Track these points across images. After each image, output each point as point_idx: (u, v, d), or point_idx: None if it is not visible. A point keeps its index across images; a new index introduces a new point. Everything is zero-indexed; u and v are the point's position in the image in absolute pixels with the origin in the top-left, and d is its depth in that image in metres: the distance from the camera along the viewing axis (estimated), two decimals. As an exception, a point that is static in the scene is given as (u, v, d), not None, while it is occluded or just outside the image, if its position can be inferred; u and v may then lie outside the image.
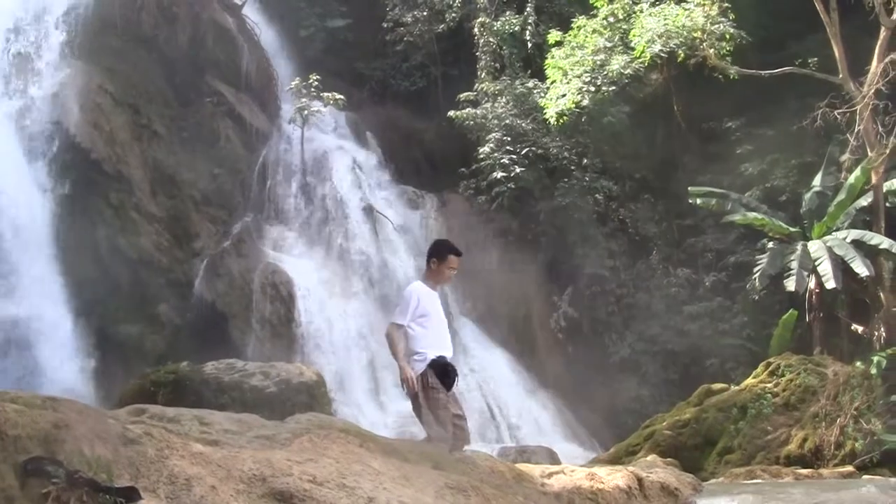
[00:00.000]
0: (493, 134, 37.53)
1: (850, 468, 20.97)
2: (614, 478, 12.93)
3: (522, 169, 36.71)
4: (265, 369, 22.05)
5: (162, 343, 30.43)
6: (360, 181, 36.88)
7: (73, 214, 31.12)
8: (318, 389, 21.02)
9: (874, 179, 30.74)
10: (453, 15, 41.95)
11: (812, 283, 31.67)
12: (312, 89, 36.55)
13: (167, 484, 5.55)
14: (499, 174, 36.67)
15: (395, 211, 37.05)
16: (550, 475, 12.86)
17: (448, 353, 11.43)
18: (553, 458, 24.25)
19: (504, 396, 33.80)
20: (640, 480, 13.29)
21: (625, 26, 35.45)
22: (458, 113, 38.17)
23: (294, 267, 33.35)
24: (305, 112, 36.31)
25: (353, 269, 34.52)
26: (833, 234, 31.56)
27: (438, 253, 11.82)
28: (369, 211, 35.89)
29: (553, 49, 35.94)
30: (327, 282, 33.68)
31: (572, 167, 37.75)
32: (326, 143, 37.92)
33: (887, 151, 30.12)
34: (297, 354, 30.48)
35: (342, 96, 37.19)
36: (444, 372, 11.30)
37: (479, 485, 7.45)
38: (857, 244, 30.42)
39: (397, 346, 11.34)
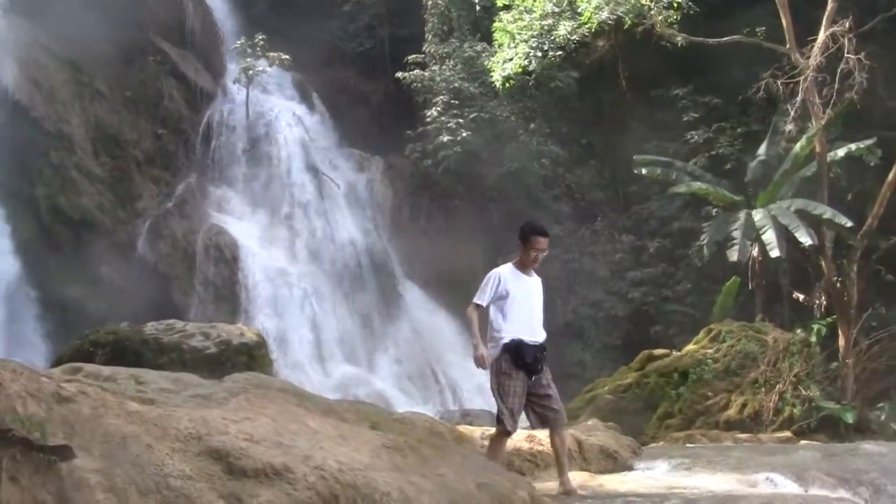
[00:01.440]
0: (441, 97, 37.39)
1: (787, 433, 21.15)
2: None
3: (469, 133, 36.57)
4: (206, 330, 21.83)
5: (104, 305, 30.07)
6: (306, 143, 36.66)
7: (11, 174, 30.73)
8: (258, 350, 20.83)
9: (818, 149, 30.84)
10: (402, -25, 41.74)
11: (755, 252, 31.82)
12: (258, 49, 36.28)
13: (102, 443, 5.45)
14: (445, 138, 36.53)
15: (341, 173, 36.90)
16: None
17: (528, 338, 11.10)
18: (495, 422, 24.31)
19: (448, 360, 33.82)
20: (580, 443, 13.33)
21: (573, -8, 35.41)
22: (405, 75, 37.99)
23: (238, 229, 33.16)
24: (251, 72, 36.03)
25: (297, 231, 34.35)
26: (777, 203, 31.67)
27: (523, 235, 11.42)
28: (315, 173, 35.70)
29: (501, 13, 35.78)
30: (272, 244, 33.51)
31: (519, 132, 37.70)
32: (272, 104, 37.66)
33: (823, 122, 30.25)
34: (241, 317, 30.32)
35: (288, 56, 36.90)
36: (517, 356, 11.03)
37: (417, 445, 7.39)
38: (801, 213, 30.54)
39: (472, 325, 11.24)
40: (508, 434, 11.28)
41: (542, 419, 11.29)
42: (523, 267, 11.35)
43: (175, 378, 8.49)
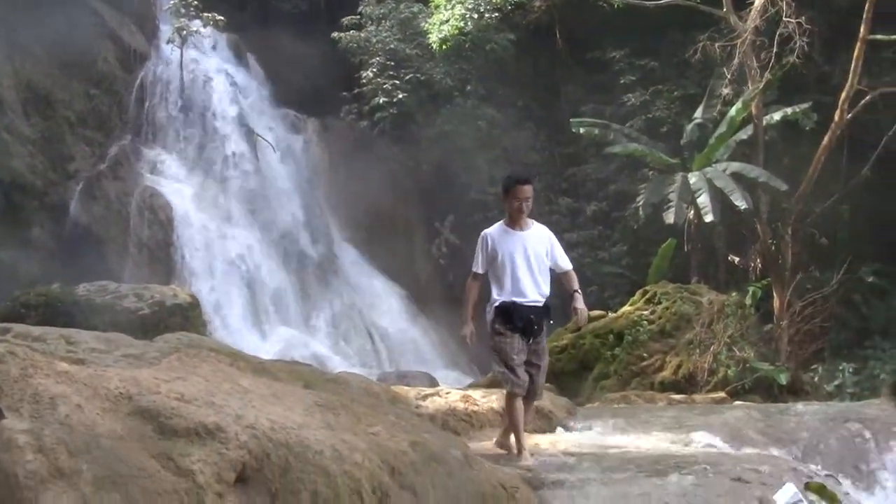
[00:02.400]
0: (377, 58, 37.27)
1: (722, 394, 21.30)
2: (489, 400, 12.98)
3: (405, 94, 36.50)
4: (139, 291, 21.77)
5: (36, 268, 29.67)
6: (241, 104, 36.40)
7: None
8: (192, 311, 20.82)
9: (754, 113, 31.02)
10: (338, -66, 41.44)
11: (691, 214, 31.99)
12: (192, 9, 35.88)
13: (31, 403, 5.37)
14: (381, 99, 36.45)
15: (276, 135, 36.66)
16: (426, 397, 12.87)
17: (522, 299, 10.65)
18: (433, 384, 24.28)
19: (384, 323, 33.84)
20: (515, 403, 13.34)
21: (510, -48, 35.40)
22: (340, 36, 37.79)
23: (172, 190, 32.87)
24: (184, 32, 35.63)
25: (232, 193, 34.13)
26: (713, 166, 31.84)
27: (503, 188, 10.98)
28: (249, 134, 35.46)
29: (438, -27, 35.72)
30: (206, 206, 33.26)
31: (455, 94, 37.64)
32: (206, 65, 37.30)
33: (762, 85, 30.42)
34: (176, 279, 30.11)
35: (222, 17, 36.55)
36: (507, 316, 10.64)
37: (350, 404, 7.37)
38: (736, 177, 30.73)
39: (464, 300, 11.01)
40: (516, 394, 10.66)
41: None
42: (512, 222, 10.87)
43: (106, 338, 8.41)
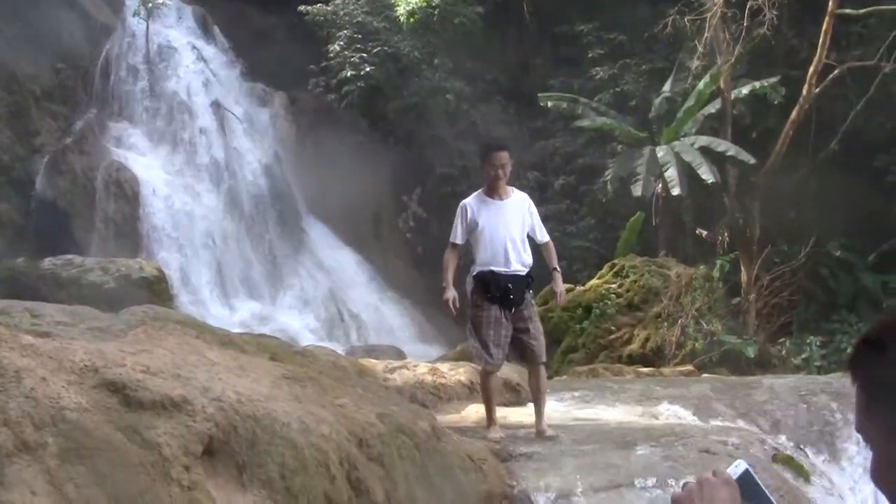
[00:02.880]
0: (344, 31, 37.05)
1: (690, 367, 21.40)
2: (457, 373, 13.00)
3: (373, 68, 36.33)
4: (104, 265, 21.68)
5: (2, 243, 29.59)
6: (208, 77, 36.18)
7: None
8: (158, 285, 20.74)
9: (722, 86, 31.06)
10: None
11: (659, 188, 32.03)
12: (158, -19, 35.70)
13: (-5, 376, 5.33)
14: (349, 73, 36.26)
15: (244, 108, 36.50)
16: (393, 370, 12.88)
17: (500, 268, 10.58)
18: (401, 358, 24.28)
19: (353, 297, 33.77)
20: (482, 376, 13.36)
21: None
22: (308, 8, 37.59)
23: (139, 164, 32.70)
24: (150, 5, 35.36)
25: (199, 167, 33.98)
26: (681, 139, 31.88)
27: (480, 155, 11.11)
28: (216, 108, 35.27)
29: (406, -55, 35.63)
30: (173, 180, 33.12)
31: (423, 67, 37.52)
32: (172, 38, 37.02)
33: (732, 58, 30.46)
34: (143, 253, 29.96)
35: (188, -10, 36.39)
36: (484, 286, 10.62)
37: (317, 376, 7.35)
38: (705, 150, 30.76)
39: (444, 268, 10.86)
40: (488, 371, 10.75)
41: (520, 354, 11.00)
42: (491, 191, 10.86)
43: (71, 311, 8.34)
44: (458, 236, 10.78)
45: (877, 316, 2.24)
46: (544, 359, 11.01)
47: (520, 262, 10.68)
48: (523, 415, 12.02)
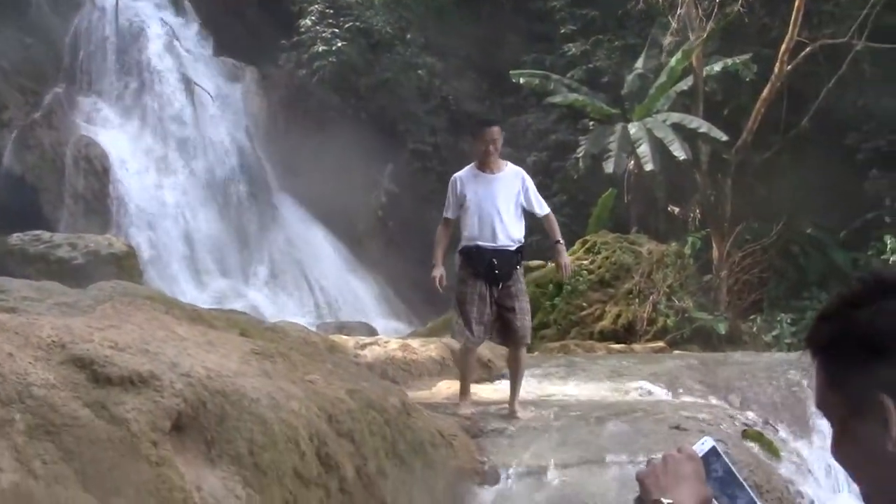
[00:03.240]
0: (316, 6, 36.88)
1: (661, 343, 21.45)
2: (427, 349, 12.99)
3: (345, 43, 36.17)
4: (73, 241, 21.55)
5: (-31, 219, 29.45)
6: (178, 52, 35.94)
7: None
8: (127, 261, 20.63)
9: (694, 63, 31.09)
10: None
11: (631, 165, 32.08)
12: (127, -45, 35.45)
13: (-39, 352, 5.29)
14: (320, 48, 36.09)
15: (214, 83, 36.28)
16: (364, 346, 12.86)
17: (487, 242, 10.39)
18: (372, 334, 24.23)
19: (324, 273, 33.71)
20: (453, 352, 13.35)
21: None
22: (279, -17, 37.50)
23: (109, 140, 32.49)
24: (120, -22, 35.21)
25: (170, 142, 33.79)
26: (653, 116, 31.92)
27: (471, 131, 11.09)
28: (187, 83, 35.07)
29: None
30: (143, 156, 32.94)
31: (395, 42, 37.42)
32: (142, 12, 36.73)
33: (705, 35, 30.49)
34: (112, 230, 29.79)
35: (159, -37, 36.15)
36: (469, 261, 10.47)
37: (287, 352, 7.32)
38: (677, 127, 30.81)
39: (435, 244, 10.81)
40: (468, 348, 10.61)
41: (503, 333, 10.75)
42: (482, 165, 10.65)
43: (38, 286, 8.30)
44: (449, 210, 10.70)
45: (836, 291, 2.24)
46: (528, 340, 10.79)
47: (507, 237, 10.53)
48: (494, 391, 12.04)
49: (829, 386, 2.16)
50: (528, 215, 11.12)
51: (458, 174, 10.78)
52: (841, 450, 2.19)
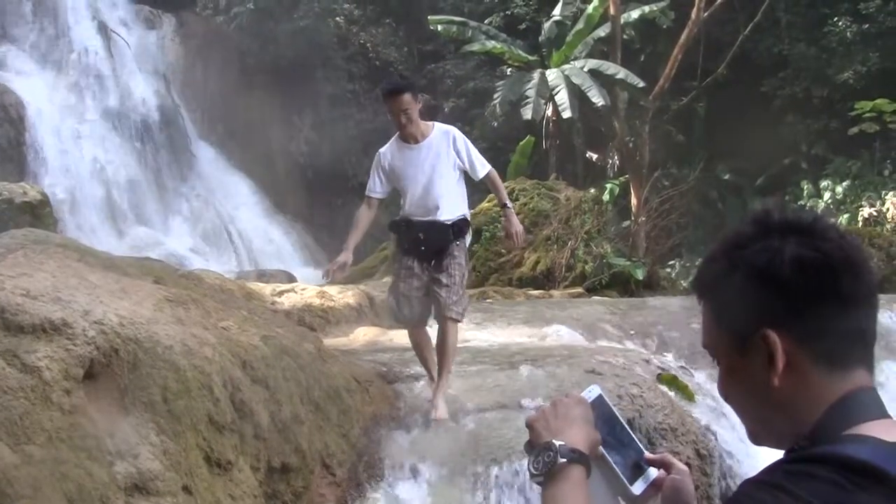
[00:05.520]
0: (233, -48, 36.69)
1: (579, 289, 21.59)
2: (345, 296, 13.01)
3: (263, -10, 36.04)
4: (-14, 189, 21.27)
5: None
6: (94, -2, 35.58)
7: None
8: (42, 209, 20.37)
9: (612, 10, 31.16)
10: None
11: (549, 112, 32.19)
12: None
13: None
14: (238, -6, 35.94)
15: (131, 31, 35.91)
16: (281, 293, 12.87)
17: (419, 216, 9.27)
18: (292, 282, 24.26)
19: (243, 221, 33.61)
20: (371, 299, 13.39)
21: None
22: (196, -72, 37.16)
23: (24, 87, 32.06)
24: (34, -79, 34.64)
25: (86, 90, 33.43)
26: (571, 63, 32.01)
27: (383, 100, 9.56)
28: (103, 29, 34.66)
29: None
30: (60, 104, 32.58)
31: (313, -11, 37.27)
32: (57, -43, 36.31)
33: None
34: (28, 178, 29.45)
35: None
36: (398, 237, 9.67)
37: (201, 299, 7.29)
38: (595, 74, 30.93)
39: (354, 223, 9.74)
40: (410, 330, 9.51)
41: (434, 312, 9.36)
42: (404, 136, 9.39)
43: (-51, 235, 8.22)
44: (372, 188, 9.56)
45: (721, 234, 2.30)
46: (455, 315, 9.25)
47: (438, 208, 9.30)
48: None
49: (715, 325, 2.22)
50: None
51: (382, 150, 9.61)
52: (728, 388, 2.25)
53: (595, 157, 34.14)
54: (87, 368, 5.47)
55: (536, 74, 31.98)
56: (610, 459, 2.52)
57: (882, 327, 10.50)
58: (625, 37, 32.63)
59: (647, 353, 11.91)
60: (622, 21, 31.71)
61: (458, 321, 9.31)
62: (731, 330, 2.17)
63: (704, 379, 11.64)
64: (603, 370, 9.73)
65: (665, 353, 12.46)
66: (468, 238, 9.63)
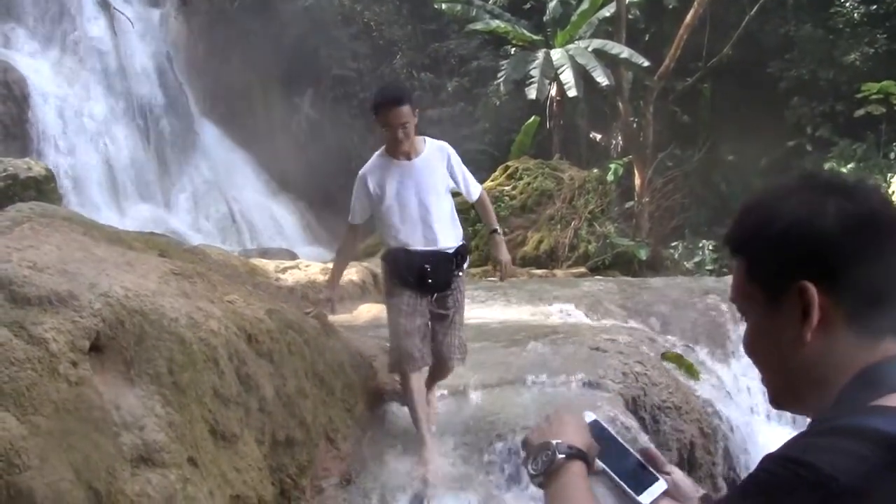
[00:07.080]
0: (236, -70, 36.61)
1: (582, 269, 21.63)
2: (349, 273, 12.98)
3: (266, -33, 35.97)
4: (-10, 164, 21.25)
5: None
6: (96, -25, 35.49)
7: None
8: (47, 185, 20.36)
9: (617, -10, 31.18)
10: None
11: (553, 91, 32.15)
12: None
13: None
14: (241, -28, 35.88)
15: (134, 8, 35.83)
16: (285, 270, 12.86)
17: (418, 245, 8.15)
18: (294, 260, 24.33)
19: (245, 199, 33.60)
20: (374, 276, 13.39)
21: None
22: None
23: (28, 65, 32.01)
24: None
25: (89, 67, 33.38)
26: (575, 42, 31.96)
27: (373, 111, 8.19)
28: (106, 7, 34.59)
29: None
30: (63, 81, 32.53)
31: (316, -33, 37.19)
32: (59, -66, 36.23)
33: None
34: (33, 155, 29.39)
35: None
36: (396, 268, 8.25)
37: (207, 273, 7.29)
38: (599, 53, 30.89)
39: (337, 254, 9.15)
40: (406, 371, 8.13)
41: (432, 352, 8.31)
42: (394, 151, 8.21)
43: (-46, 208, 8.22)
44: (354, 214, 8.48)
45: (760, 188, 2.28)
46: (459, 357, 8.51)
47: (442, 236, 8.29)
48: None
49: (748, 277, 2.20)
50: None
51: (365, 169, 8.36)
52: (754, 345, 2.23)
53: (599, 137, 34.15)
54: (93, 340, 5.48)
55: (541, 54, 31.92)
56: (612, 473, 2.51)
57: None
58: (630, 17, 32.60)
59: (651, 332, 11.93)
60: (627, 1, 31.67)
61: (461, 365, 8.59)
62: (764, 282, 2.15)
63: (709, 358, 11.68)
64: (608, 348, 9.75)
65: (669, 333, 12.49)
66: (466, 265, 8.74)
